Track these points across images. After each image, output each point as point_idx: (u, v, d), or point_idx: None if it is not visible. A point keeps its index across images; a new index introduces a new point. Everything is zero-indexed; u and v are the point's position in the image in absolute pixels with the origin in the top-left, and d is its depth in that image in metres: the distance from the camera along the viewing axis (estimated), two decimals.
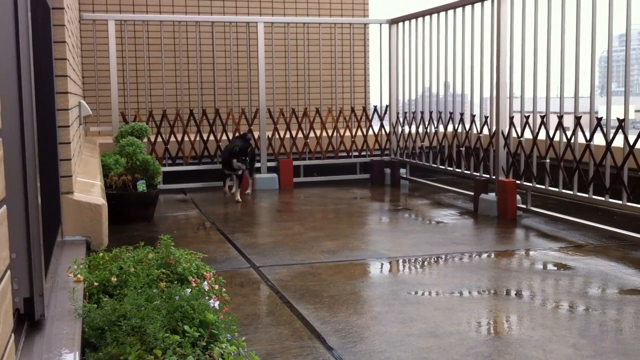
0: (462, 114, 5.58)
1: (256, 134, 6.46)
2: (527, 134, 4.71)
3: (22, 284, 1.81)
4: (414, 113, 6.43)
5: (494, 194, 4.87)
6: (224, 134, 6.30)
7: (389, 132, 6.82)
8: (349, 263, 3.57)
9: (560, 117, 4.38)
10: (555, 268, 3.45)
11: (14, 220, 1.74)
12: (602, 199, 4.10)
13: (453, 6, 5.53)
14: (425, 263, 3.60)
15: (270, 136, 6.49)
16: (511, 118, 4.88)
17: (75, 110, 4.05)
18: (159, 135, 6.20)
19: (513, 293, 3.03)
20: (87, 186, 3.76)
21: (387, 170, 6.65)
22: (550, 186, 4.55)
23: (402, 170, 6.62)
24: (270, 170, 6.40)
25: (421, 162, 6.25)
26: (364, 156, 6.83)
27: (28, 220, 1.81)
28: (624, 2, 3.84)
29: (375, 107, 6.88)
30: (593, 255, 3.66)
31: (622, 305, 2.83)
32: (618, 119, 3.86)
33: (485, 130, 5.20)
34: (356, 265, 3.55)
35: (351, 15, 8.29)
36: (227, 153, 5.63)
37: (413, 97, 6.54)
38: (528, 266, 3.53)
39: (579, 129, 4.25)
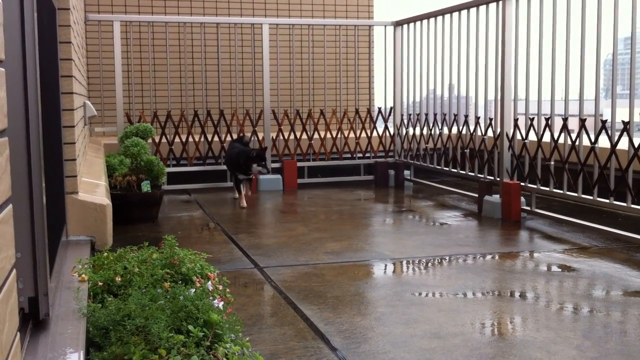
0: (466, 116, 5.57)
1: (260, 135, 6.46)
2: (532, 136, 4.71)
3: (26, 284, 1.82)
4: (418, 115, 6.43)
5: (498, 196, 4.87)
6: (229, 135, 6.31)
7: (393, 133, 6.82)
8: (352, 264, 3.57)
9: (565, 120, 4.38)
10: (560, 270, 3.44)
11: (19, 220, 1.74)
12: (607, 201, 4.09)
13: (458, 8, 5.52)
14: (429, 264, 3.60)
15: (274, 137, 6.50)
16: (516, 120, 4.87)
17: (80, 110, 4.06)
18: (164, 136, 6.21)
19: (517, 294, 3.03)
20: (91, 186, 3.77)
21: (391, 172, 6.65)
22: (554, 188, 4.55)
23: (406, 172, 6.61)
24: (274, 171, 6.40)
25: (425, 164, 6.25)
26: (368, 158, 6.83)
27: (33, 220, 1.82)
28: (629, 5, 3.83)
29: (379, 108, 6.88)
30: (597, 257, 3.65)
31: (627, 307, 2.83)
32: (623, 121, 3.86)
33: (490, 132, 5.20)
34: (360, 266, 3.55)
35: (356, 17, 8.29)
36: (244, 157, 5.40)
37: (417, 99, 6.54)
38: (532, 268, 3.53)
39: (584, 132, 4.25)
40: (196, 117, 6.27)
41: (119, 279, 2.38)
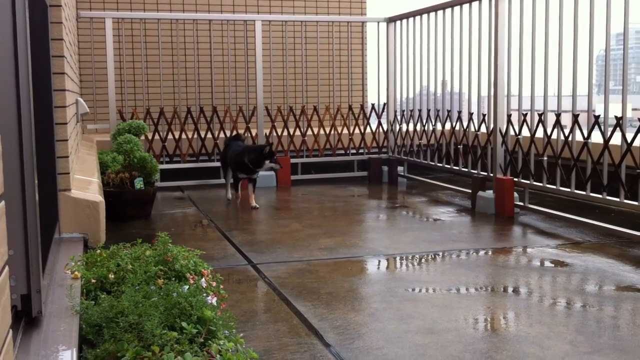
0: (459, 112, 5.58)
1: (254, 132, 6.45)
2: (525, 132, 4.72)
3: (19, 281, 1.81)
4: (411, 111, 6.43)
5: (491, 192, 4.87)
6: (222, 132, 6.30)
7: (387, 129, 6.82)
8: (346, 260, 3.57)
9: (558, 115, 4.39)
10: (553, 265, 3.45)
11: (11, 217, 1.73)
12: (600, 196, 4.10)
13: (451, 4, 5.53)
14: (423, 260, 3.60)
15: (267, 134, 6.49)
16: (509, 116, 4.88)
17: (72, 107, 4.05)
18: (157, 133, 6.20)
19: (510, 290, 3.04)
20: (84, 183, 3.76)
21: (385, 168, 6.65)
22: (547, 184, 4.56)
23: (400, 168, 6.62)
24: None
25: (419, 160, 6.25)
26: (362, 154, 6.83)
27: (25, 217, 1.81)
28: (622, 1, 3.84)
29: (372, 104, 6.88)
30: (590, 252, 3.66)
31: (620, 302, 2.84)
32: (616, 117, 3.87)
33: (483, 128, 5.21)
34: (354, 262, 3.55)
35: (349, 14, 8.28)
36: (254, 154, 5.21)
37: (411, 95, 6.54)
38: (525, 263, 3.54)
39: (577, 127, 4.26)
40: (189, 113, 6.25)
41: (112, 276, 2.37)
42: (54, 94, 3.26)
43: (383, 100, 6.88)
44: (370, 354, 2.28)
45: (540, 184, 4.60)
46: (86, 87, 6.76)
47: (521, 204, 4.72)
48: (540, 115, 4.54)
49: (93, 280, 2.35)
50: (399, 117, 6.66)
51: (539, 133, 4.59)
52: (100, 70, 6.25)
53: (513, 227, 4.41)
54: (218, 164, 6.23)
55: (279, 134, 6.49)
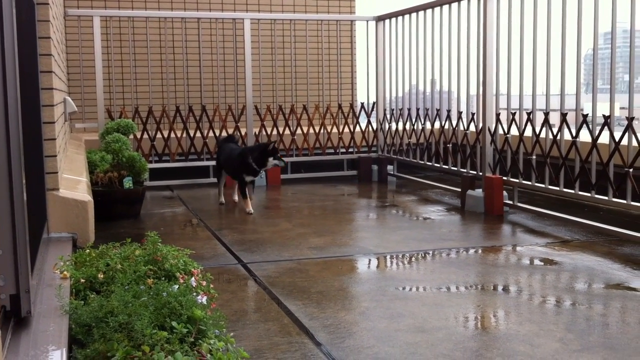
0: (449, 111, 5.59)
1: (243, 131, 6.44)
2: (514, 131, 4.73)
3: (8, 281, 1.80)
4: (401, 110, 6.44)
5: (480, 190, 4.89)
6: (211, 131, 6.28)
7: (376, 128, 6.82)
8: (336, 259, 3.57)
9: (547, 114, 4.40)
10: (542, 263, 3.47)
11: None
12: (588, 194, 4.12)
13: (439, 3, 5.53)
14: (413, 259, 3.61)
15: (257, 133, 6.48)
16: (498, 115, 4.89)
17: (60, 106, 4.02)
18: (145, 132, 6.17)
19: (500, 288, 3.05)
20: (73, 183, 3.74)
21: (375, 167, 6.66)
22: (536, 182, 4.57)
23: (390, 167, 6.62)
24: None
25: (408, 159, 6.26)
26: (352, 153, 6.83)
27: (14, 217, 1.80)
28: (610, 0, 3.86)
29: (362, 103, 6.88)
30: (579, 250, 3.68)
31: (609, 300, 2.85)
32: (604, 115, 3.89)
33: (472, 127, 5.22)
34: (344, 261, 3.55)
35: (338, 12, 8.28)
36: (258, 153, 5.05)
37: (400, 94, 6.55)
38: (515, 262, 3.55)
39: (565, 126, 4.27)
40: (178, 112, 6.23)
41: (102, 276, 2.36)
42: (41, 93, 3.24)
43: (372, 99, 6.88)
44: (361, 352, 2.28)
45: (529, 183, 4.61)
46: (74, 85, 6.73)
47: (510, 202, 4.73)
48: (528, 114, 4.55)
49: (82, 280, 2.34)
50: (388, 116, 6.67)
51: (528, 132, 4.61)
52: (89, 68, 6.21)
53: (502, 226, 4.42)
54: (207, 163, 6.21)
55: (269, 133, 6.48)
